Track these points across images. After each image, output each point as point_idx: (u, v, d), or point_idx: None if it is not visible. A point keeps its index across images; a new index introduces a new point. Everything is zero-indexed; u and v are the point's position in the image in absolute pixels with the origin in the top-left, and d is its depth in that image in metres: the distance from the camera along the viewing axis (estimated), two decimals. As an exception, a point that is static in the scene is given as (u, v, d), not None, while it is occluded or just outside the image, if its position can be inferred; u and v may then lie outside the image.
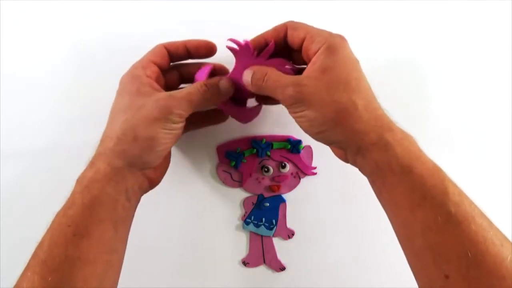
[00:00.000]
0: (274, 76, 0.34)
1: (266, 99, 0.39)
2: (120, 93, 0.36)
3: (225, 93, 0.37)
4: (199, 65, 0.40)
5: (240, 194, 0.46)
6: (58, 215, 0.32)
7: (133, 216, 0.36)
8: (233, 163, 0.44)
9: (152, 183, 0.37)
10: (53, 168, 0.45)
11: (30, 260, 0.31)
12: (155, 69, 0.37)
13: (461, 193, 0.30)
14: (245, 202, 0.45)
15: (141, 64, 0.37)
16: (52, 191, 0.44)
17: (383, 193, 0.33)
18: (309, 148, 0.45)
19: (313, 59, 0.33)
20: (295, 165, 0.45)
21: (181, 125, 0.35)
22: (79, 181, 0.33)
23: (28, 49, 0.44)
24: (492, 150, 0.46)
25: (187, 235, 0.46)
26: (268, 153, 0.44)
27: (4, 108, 0.44)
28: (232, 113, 0.40)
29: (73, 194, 0.33)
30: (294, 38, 0.35)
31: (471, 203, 0.30)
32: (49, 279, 0.30)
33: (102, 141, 0.35)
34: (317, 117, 0.32)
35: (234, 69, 0.37)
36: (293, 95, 0.32)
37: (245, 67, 0.36)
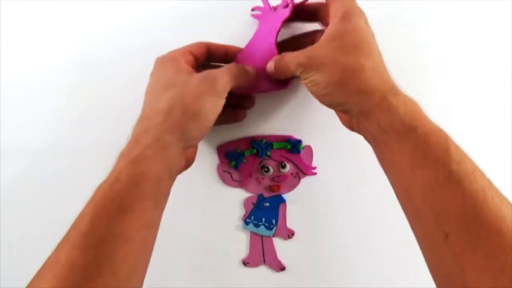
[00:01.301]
0: (289, 54, 0.36)
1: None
2: (158, 71, 0.37)
3: (253, 74, 0.39)
4: None
5: (240, 194, 0.46)
6: (101, 189, 0.31)
7: (169, 194, 0.35)
8: (233, 163, 0.44)
9: (189, 163, 0.37)
10: (53, 168, 0.45)
11: (68, 232, 0.30)
12: (191, 57, 0.38)
13: (462, 152, 0.30)
14: (245, 202, 0.45)
15: (179, 51, 0.38)
16: (52, 191, 0.45)
17: (386, 155, 0.33)
18: (309, 148, 0.45)
19: (328, 28, 0.35)
20: (295, 165, 0.45)
21: (223, 101, 0.36)
22: (124, 155, 0.33)
23: (30, 49, 0.44)
24: (494, 147, 0.46)
25: (187, 235, 0.46)
26: (268, 153, 0.44)
27: (4, 108, 0.44)
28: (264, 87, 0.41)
29: (118, 169, 0.32)
30: (328, 4, 0.37)
31: (472, 162, 0.30)
32: (90, 253, 0.28)
33: (145, 117, 0.34)
34: (323, 80, 0.33)
35: (258, 30, 0.41)
36: (303, 62, 0.34)
37: (267, 24, 0.40)
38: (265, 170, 0.44)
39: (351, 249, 0.46)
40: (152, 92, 0.36)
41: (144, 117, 0.35)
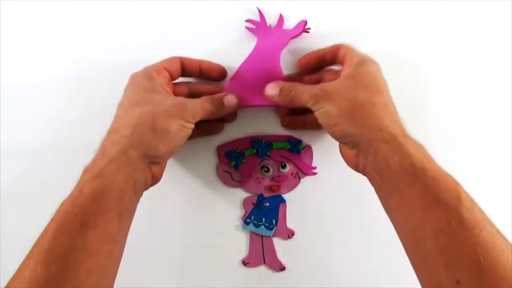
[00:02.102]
0: (301, 85, 0.38)
1: (292, 124, 0.44)
2: (133, 87, 0.37)
3: (230, 107, 0.40)
4: (211, 86, 0.43)
5: (240, 194, 0.46)
6: (64, 203, 0.32)
7: (135, 210, 0.36)
8: (233, 163, 0.44)
9: (155, 180, 0.38)
10: (53, 168, 0.45)
11: (32, 249, 0.31)
12: (166, 75, 0.39)
13: (472, 199, 0.30)
14: (245, 202, 0.45)
15: (155, 68, 0.38)
16: (52, 191, 0.44)
17: (394, 194, 0.33)
18: (309, 148, 0.45)
19: (343, 71, 0.37)
20: (295, 165, 0.45)
21: (192, 126, 0.37)
22: (88, 170, 0.33)
23: (29, 49, 0.44)
24: (494, 154, 0.46)
25: (187, 235, 0.46)
26: (268, 153, 0.44)
27: (4, 108, 0.44)
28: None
29: (82, 182, 0.32)
30: (341, 55, 0.39)
31: (481, 210, 0.30)
32: (53, 269, 0.29)
33: (115, 130, 0.35)
34: (335, 110, 0.34)
35: (256, 49, 0.42)
36: (317, 93, 0.35)
37: (267, 42, 0.42)
38: (265, 170, 0.44)
39: (351, 249, 0.46)
40: (124, 107, 0.36)
41: (112, 130, 0.35)
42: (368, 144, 0.33)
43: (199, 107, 0.37)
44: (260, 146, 0.44)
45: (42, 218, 0.44)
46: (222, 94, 0.40)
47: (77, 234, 0.30)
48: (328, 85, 0.36)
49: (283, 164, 0.44)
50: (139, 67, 0.43)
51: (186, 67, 0.41)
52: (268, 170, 0.44)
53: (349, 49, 0.38)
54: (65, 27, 0.44)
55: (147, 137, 0.34)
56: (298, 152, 0.44)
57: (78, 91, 0.44)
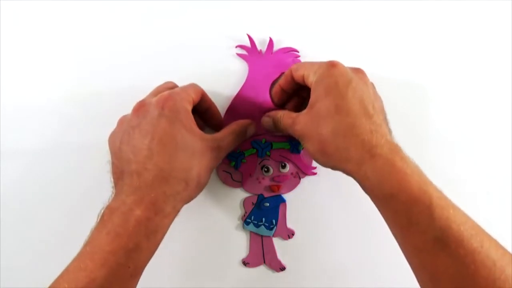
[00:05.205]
0: (285, 119, 0.39)
1: None
2: (174, 122, 0.35)
3: (250, 136, 0.43)
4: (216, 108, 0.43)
5: (240, 194, 0.46)
6: (115, 252, 0.32)
7: None
8: (233, 163, 0.44)
9: None
10: (53, 168, 0.45)
11: None
12: (191, 107, 0.38)
13: (449, 217, 0.30)
14: (245, 202, 0.45)
15: (187, 99, 0.37)
16: (52, 191, 0.45)
17: (381, 214, 0.34)
18: (309, 148, 0.45)
19: (310, 97, 0.36)
20: (295, 165, 0.45)
21: None
22: (143, 220, 0.33)
23: (29, 49, 0.44)
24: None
25: (187, 235, 0.46)
26: (268, 153, 0.44)
27: (4, 108, 0.44)
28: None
29: (137, 236, 0.33)
30: (298, 78, 0.39)
31: (460, 225, 0.30)
32: None
33: (164, 178, 0.34)
34: (311, 148, 0.36)
35: (248, 79, 0.43)
36: (295, 133, 0.38)
37: (258, 71, 0.43)
38: (265, 170, 0.44)
39: (351, 249, 0.46)
40: (169, 146, 0.35)
41: (161, 176, 0.34)
42: (345, 173, 0.35)
43: (227, 152, 0.40)
44: (260, 146, 0.44)
45: (42, 218, 0.44)
46: (247, 122, 0.42)
47: (126, 284, 0.33)
48: (298, 121, 0.37)
49: (283, 164, 0.44)
50: (140, 66, 0.43)
51: (201, 102, 0.40)
52: (268, 170, 0.44)
53: (301, 67, 0.37)
54: (67, 26, 0.44)
55: (193, 193, 0.37)
56: (298, 152, 0.44)
57: (78, 91, 0.44)
